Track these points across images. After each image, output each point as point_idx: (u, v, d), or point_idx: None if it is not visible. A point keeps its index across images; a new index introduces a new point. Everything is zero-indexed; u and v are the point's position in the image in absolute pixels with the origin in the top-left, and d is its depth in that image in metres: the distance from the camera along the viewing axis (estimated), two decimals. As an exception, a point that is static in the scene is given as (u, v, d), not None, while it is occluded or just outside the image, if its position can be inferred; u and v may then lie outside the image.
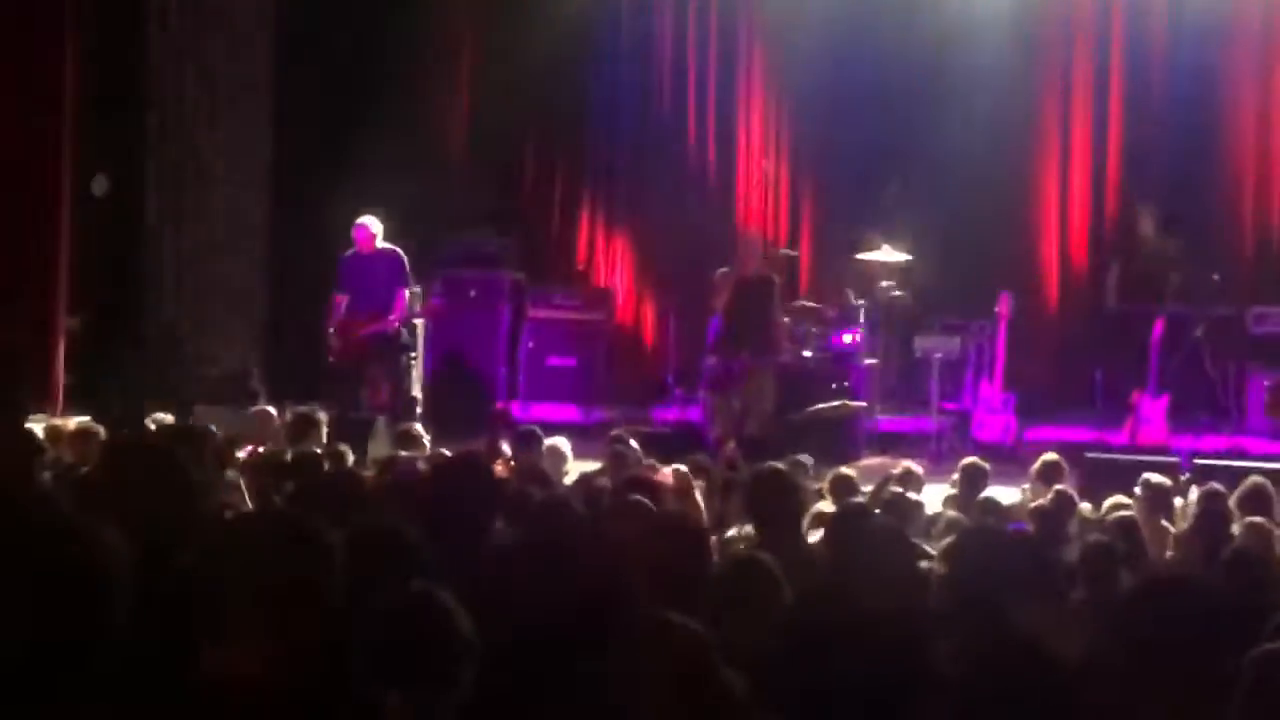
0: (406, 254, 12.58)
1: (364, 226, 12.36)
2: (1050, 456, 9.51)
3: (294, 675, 3.42)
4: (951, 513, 8.07)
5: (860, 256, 13.88)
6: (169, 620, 3.64)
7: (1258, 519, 7.75)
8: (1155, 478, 8.88)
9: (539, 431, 9.92)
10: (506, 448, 9.63)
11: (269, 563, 3.49)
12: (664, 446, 10.71)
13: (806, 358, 13.26)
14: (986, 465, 9.30)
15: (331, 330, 12.51)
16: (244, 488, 7.62)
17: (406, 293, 12.58)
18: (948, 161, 14.04)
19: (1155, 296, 13.25)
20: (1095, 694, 4.40)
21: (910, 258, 13.74)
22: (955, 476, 9.37)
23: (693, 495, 6.99)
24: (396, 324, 12.56)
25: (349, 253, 12.47)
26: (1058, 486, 8.80)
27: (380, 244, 12.42)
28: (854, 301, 13.62)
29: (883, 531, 5.68)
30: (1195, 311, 13.40)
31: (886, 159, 14.10)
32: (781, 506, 6.19)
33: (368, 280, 12.40)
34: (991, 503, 8.37)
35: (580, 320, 14.58)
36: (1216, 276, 13.83)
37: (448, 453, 9.20)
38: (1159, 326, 12.97)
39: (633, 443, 9.98)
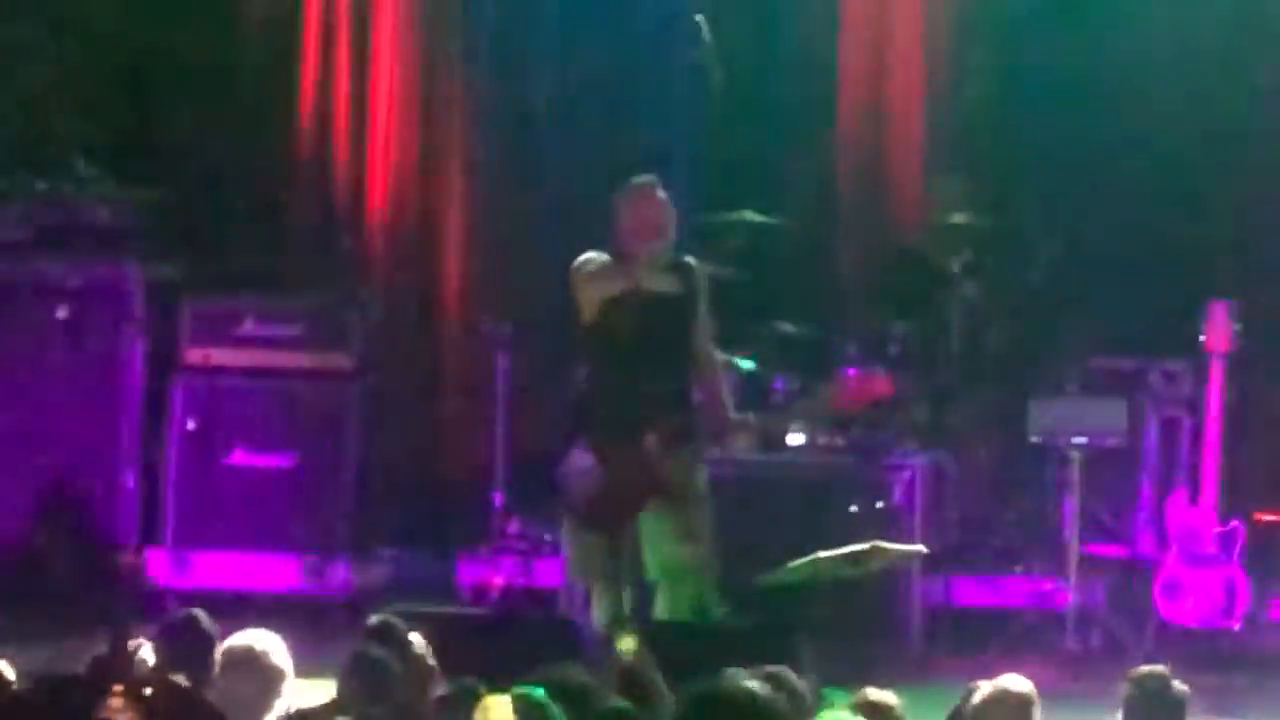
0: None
1: None
2: None
3: None
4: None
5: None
6: None
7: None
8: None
9: (206, 623, 5.64)
10: (146, 652, 5.46)
11: None
12: (488, 645, 6.39)
13: (795, 448, 8.77)
14: (1179, 685, 5.37)
15: None
16: None
17: None
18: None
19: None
20: None
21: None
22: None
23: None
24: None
25: None
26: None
27: None
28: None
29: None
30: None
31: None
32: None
33: None
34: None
35: (301, 367, 8.99)
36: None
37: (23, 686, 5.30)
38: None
39: (415, 639, 5.69)
